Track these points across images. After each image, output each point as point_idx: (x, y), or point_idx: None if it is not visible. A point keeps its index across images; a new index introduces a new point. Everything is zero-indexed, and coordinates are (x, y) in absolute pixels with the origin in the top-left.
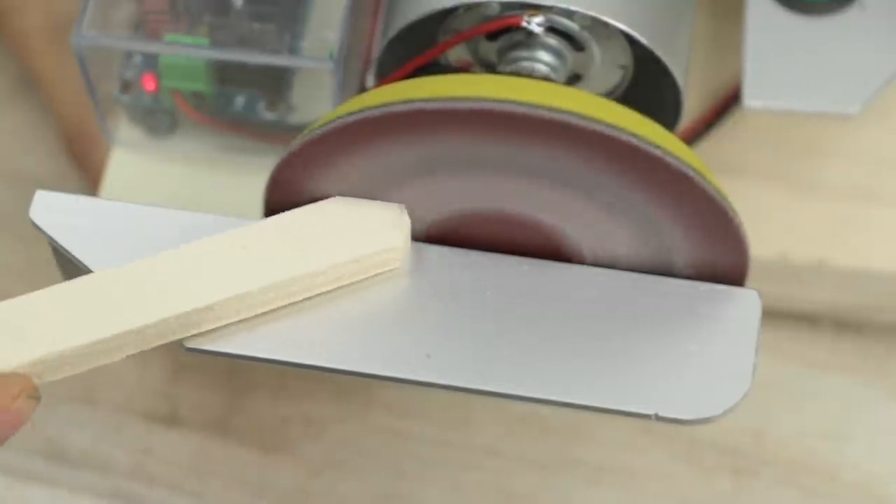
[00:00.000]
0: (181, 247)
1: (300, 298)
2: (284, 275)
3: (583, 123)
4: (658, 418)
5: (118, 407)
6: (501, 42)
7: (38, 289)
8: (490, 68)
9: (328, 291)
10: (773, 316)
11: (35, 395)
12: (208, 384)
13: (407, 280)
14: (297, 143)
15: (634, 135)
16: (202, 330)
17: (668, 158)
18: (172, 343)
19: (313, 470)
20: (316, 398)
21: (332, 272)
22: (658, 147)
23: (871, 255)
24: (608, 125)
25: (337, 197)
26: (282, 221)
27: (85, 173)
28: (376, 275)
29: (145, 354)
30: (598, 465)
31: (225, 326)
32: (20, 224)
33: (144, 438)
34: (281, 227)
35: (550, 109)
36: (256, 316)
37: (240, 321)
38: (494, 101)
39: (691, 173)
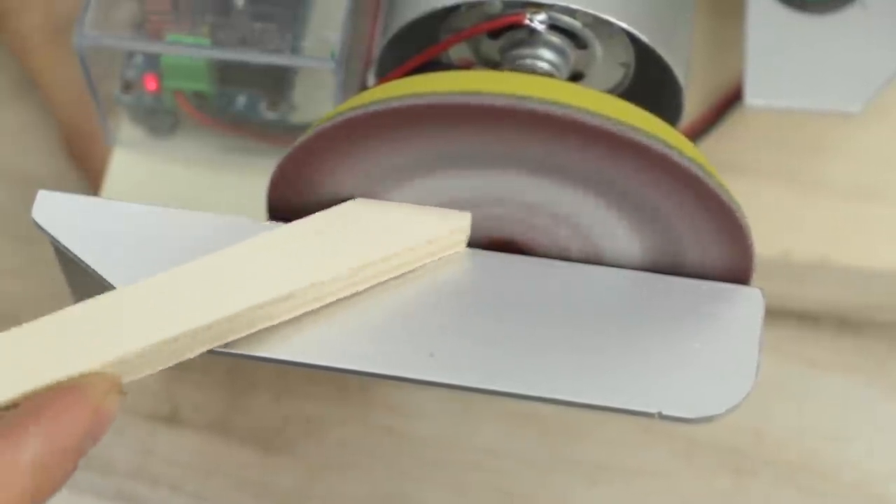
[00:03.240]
0: (243, 242)
1: (367, 286)
2: (360, 260)
3: (591, 120)
4: (661, 417)
5: (119, 407)
6: (503, 40)
7: (37, 288)
8: (492, 66)
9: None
10: (773, 315)
11: (122, 392)
12: (209, 384)
13: (410, 279)
14: (301, 140)
15: (642, 132)
16: (276, 321)
17: (676, 156)
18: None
19: (314, 470)
20: (317, 398)
21: (405, 255)
22: (666, 144)
23: (874, 253)
24: (616, 122)
25: (359, 198)
26: (339, 213)
27: (85, 173)
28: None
29: None
30: (598, 464)
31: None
32: (20, 224)
33: (146, 439)
34: (343, 217)
35: (559, 105)
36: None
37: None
38: (507, 96)
39: (699, 172)
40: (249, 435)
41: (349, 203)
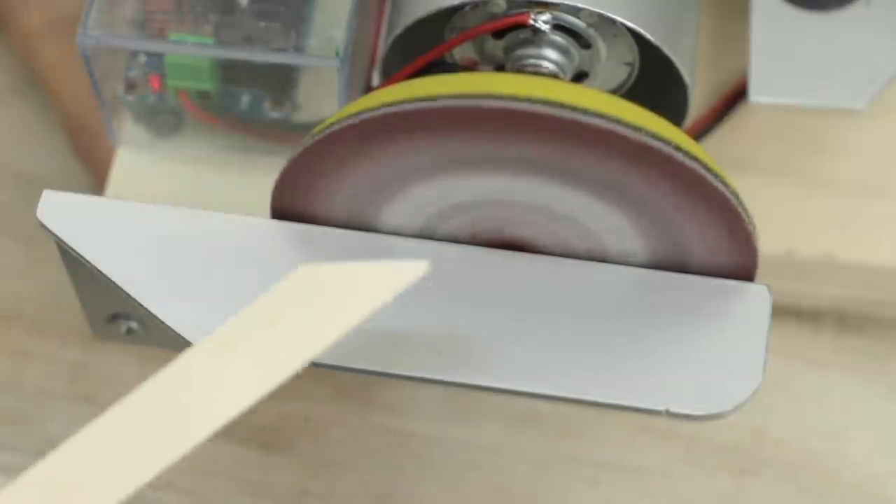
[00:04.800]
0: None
1: None
2: (321, 347)
3: (596, 122)
4: (668, 414)
5: None
6: (508, 40)
7: (37, 288)
8: (496, 66)
9: None
10: (774, 314)
11: None
12: None
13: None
14: (306, 141)
15: (648, 132)
16: None
17: (682, 157)
18: None
19: (313, 469)
20: (316, 398)
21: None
22: (671, 145)
23: (878, 250)
24: (623, 123)
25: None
26: (286, 292)
27: (88, 168)
28: None
29: (144, 352)
30: (598, 464)
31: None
32: (21, 223)
33: None
34: (291, 297)
35: (564, 107)
36: None
37: None
38: (515, 99)
39: (704, 172)
40: (249, 434)
41: (296, 274)
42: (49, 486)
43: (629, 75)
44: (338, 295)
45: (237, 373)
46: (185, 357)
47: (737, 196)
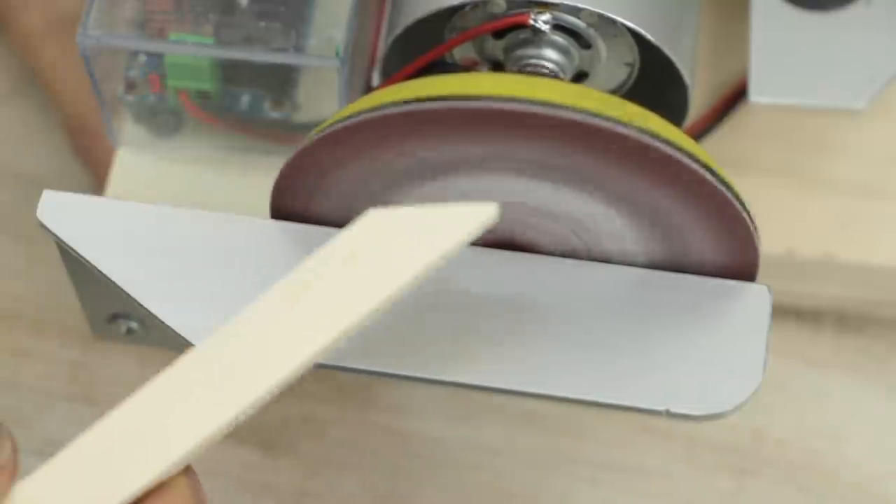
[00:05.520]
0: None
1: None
2: (396, 286)
3: (598, 122)
4: (669, 414)
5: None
6: (508, 40)
7: (37, 288)
8: (496, 66)
9: None
10: (774, 314)
11: None
12: None
13: None
14: (306, 141)
15: (647, 133)
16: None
17: (682, 157)
18: None
19: (313, 470)
20: (316, 398)
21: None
22: (671, 145)
23: (877, 249)
24: (621, 123)
25: (373, 210)
26: (359, 231)
27: (88, 168)
28: None
29: (144, 352)
30: (598, 464)
31: (230, 325)
32: (21, 223)
33: None
34: (365, 234)
35: (565, 108)
36: None
37: None
38: (516, 100)
39: (705, 172)
40: (249, 435)
41: (367, 217)
42: (109, 444)
43: (629, 75)
44: (411, 236)
45: (315, 311)
46: (262, 300)
47: (737, 196)
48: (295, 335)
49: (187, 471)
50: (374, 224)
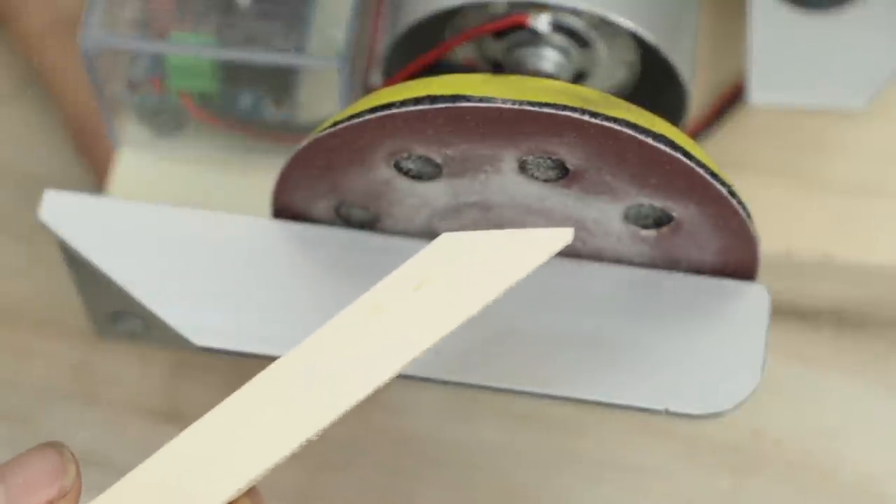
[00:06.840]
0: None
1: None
2: (470, 312)
3: (598, 122)
4: (668, 413)
5: (120, 405)
6: (508, 41)
7: (39, 288)
8: (496, 67)
9: None
10: (774, 314)
11: None
12: (210, 382)
13: None
14: (306, 141)
15: (646, 132)
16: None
17: (681, 157)
18: None
19: (314, 469)
20: None
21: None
22: (670, 144)
23: (876, 249)
24: (621, 123)
25: (446, 234)
26: (433, 256)
27: (90, 168)
28: None
29: (146, 352)
30: (599, 463)
31: (230, 325)
32: (22, 223)
33: (146, 437)
34: (439, 260)
35: (565, 108)
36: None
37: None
38: (517, 101)
39: (704, 171)
40: None
41: (440, 240)
42: (177, 467)
43: (628, 76)
44: (484, 261)
45: (388, 334)
46: (333, 323)
47: (736, 196)
48: (361, 364)
49: (251, 493)
50: (448, 248)
